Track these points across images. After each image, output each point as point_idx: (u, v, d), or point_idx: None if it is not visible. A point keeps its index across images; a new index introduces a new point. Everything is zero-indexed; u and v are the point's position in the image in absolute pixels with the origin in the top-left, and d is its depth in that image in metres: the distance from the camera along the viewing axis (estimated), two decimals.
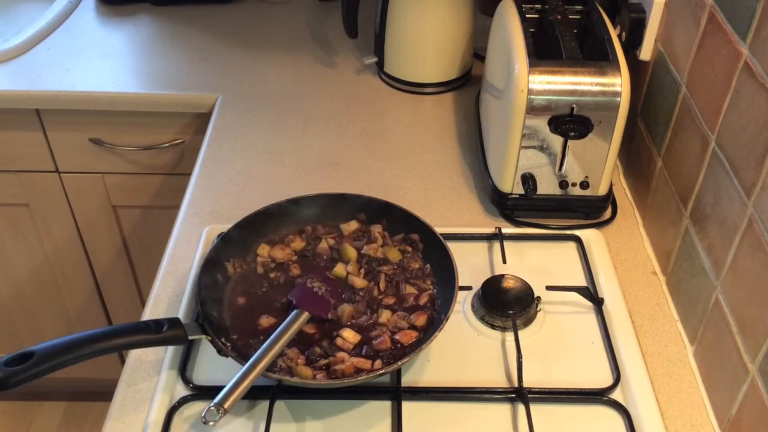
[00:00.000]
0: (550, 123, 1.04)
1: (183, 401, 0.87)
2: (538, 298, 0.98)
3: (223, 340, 0.87)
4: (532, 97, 1.02)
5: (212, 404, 0.77)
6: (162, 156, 1.49)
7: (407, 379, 0.91)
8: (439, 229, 0.99)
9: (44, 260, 1.67)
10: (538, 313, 0.98)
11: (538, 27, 1.12)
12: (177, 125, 1.45)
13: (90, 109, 1.41)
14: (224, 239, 0.98)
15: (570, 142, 1.05)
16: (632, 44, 1.13)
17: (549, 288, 1.00)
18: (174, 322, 0.85)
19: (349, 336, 0.89)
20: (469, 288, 1.00)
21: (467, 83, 1.45)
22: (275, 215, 1.02)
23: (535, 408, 0.86)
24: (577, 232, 1.10)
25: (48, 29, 1.56)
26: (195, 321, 0.93)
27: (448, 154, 1.28)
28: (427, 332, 0.90)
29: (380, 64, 1.44)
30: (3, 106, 1.40)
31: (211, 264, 0.95)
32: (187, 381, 0.89)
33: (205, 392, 0.88)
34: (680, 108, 1.01)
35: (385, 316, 0.92)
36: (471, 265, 1.05)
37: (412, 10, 1.34)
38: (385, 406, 0.88)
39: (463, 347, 0.95)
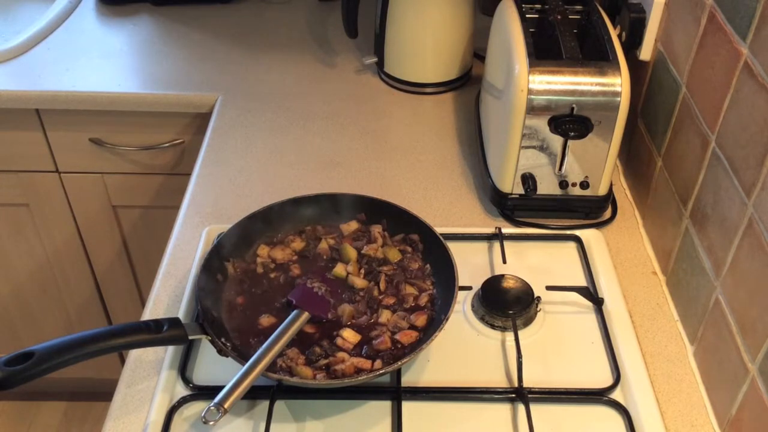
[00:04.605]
0: (550, 123, 1.04)
1: (183, 401, 0.87)
2: (538, 298, 0.98)
3: (223, 340, 0.87)
4: (532, 97, 1.02)
5: (212, 404, 0.77)
6: (162, 156, 1.49)
7: (407, 379, 0.91)
8: (439, 229, 0.99)
9: (44, 260, 1.67)
10: (538, 313, 0.98)
11: (538, 27, 1.12)
12: (177, 125, 1.45)
13: (90, 109, 1.41)
14: (224, 239, 0.98)
15: (570, 142, 1.05)
16: (632, 44, 1.13)
17: (549, 288, 1.00)
18: (174, 322, 0.85)
19: (349, 336, 0.89)
20: (469, 288, 1.00)
21: (467, 83, 1.45)
22: (275, 215, 1.02)
23: (535, 408, 0.86)
24: (577, 232, 1.10)
25: (48, 29, 1.56)
26: (195, 321, 0.93)
27: (448, 154, 1.28)
28: (427, 332, 0.90)
29: (380, 64, 1.44)
30: (3, 106, 1.40)
31: (211, 264, 0.95)
32: (187, 381, 0.90)
33: (205, 392, 0.88)
34: (680, 108, 1.01)
35: (385, 316, 0.92)
36: (471, 265, 1.05)
37: (412, 10, 1.34)
38: (385, 406, 0.88)
39: (463, 347, 0.95)
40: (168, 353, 0.92)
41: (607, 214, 1.15)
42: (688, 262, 0.97)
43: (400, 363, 0.84)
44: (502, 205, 1.13)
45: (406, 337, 0.89)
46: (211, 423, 0.76)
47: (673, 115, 1.03)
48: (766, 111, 0.78)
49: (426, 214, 1.08)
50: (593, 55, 1.05)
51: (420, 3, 1.33)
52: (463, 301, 1.00)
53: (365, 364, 0.86)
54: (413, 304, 0.94)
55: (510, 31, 1.08)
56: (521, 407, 0.87)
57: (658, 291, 1.04)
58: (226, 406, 0.77)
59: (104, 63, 1.47)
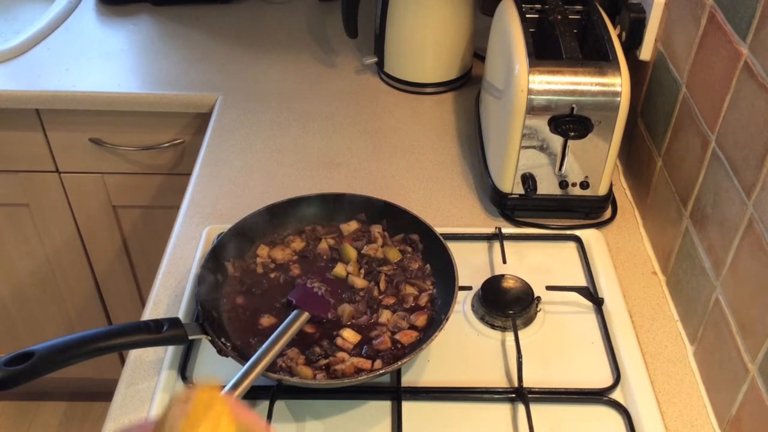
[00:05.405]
0: (550, 123, 1.04)
1: None
2: (538, 298, 0.98)
3: (223, 340, 0.87)
4: (532, 97, 1.02)
5: None
6: (162, 156, 1.49)
7: (407, 379, 0.91)
8: (439, 229, 0.99)
9: (44, 260, 1.67)
10: (538, 313, 0.98)
11: (538, 27, 1.12)
12: (177, 125, 1.45)
13: (90, 109, 1.41)
14: (224, 239, 0.98)
15: (570, 142, 1.05)
16: (632, 44, 1.13)
17: (549, 288, 1.00)
18: (174, 322, 0.85)
19: (349, 336, 0.89)
20: (469, 288, 1.00)
21: (467, 83, 1.45)
22: (275, 215, 1.02)
23: (535, 408, 0.86)
24: (577, 232, 1.10)
25: (48, 29, 1.56)
26: (195, 321, 0.93)
27: (448, 154, 1.28)
28: (427, 332, 0.90)
29: (380, 64, 1.44)
30: (3, 106, 1.40)
31: (211, 264, 0.95)
32: (187, 381, 0.89)
33: None
34: (680, 108, 1.01)
35: (385, 316, 0.92)
36: (471, 265, 1.05)
37: (412, 10, 1.34)
38: (385, 406, 0.88)
39: (463, 347, 0.95)
40: (168, 353, 0.92)
41: (607, 214, 1.15)
42: (688, 262, 0.97)
43: (400, 363, 0.84)
44: (502, 205, 1.13)
45: (406, 337, 0.89)
46: None
47: (673, 115, 1.03)
48: (766, 111, 0.78)
49: (426, 214, 1.08)
50: (593, 55, 1.06)
51: (420, 3, 1.33)
52: (463, 301, 1.00)
53: (365, 364, 0.86)
54: (413, 304, 0.94)
55: (510, 31, 1.08)
56: (521, 407, 0.87)
57: (658, 291, 1.04)
58: None
59: (104, 63, 1.47)
